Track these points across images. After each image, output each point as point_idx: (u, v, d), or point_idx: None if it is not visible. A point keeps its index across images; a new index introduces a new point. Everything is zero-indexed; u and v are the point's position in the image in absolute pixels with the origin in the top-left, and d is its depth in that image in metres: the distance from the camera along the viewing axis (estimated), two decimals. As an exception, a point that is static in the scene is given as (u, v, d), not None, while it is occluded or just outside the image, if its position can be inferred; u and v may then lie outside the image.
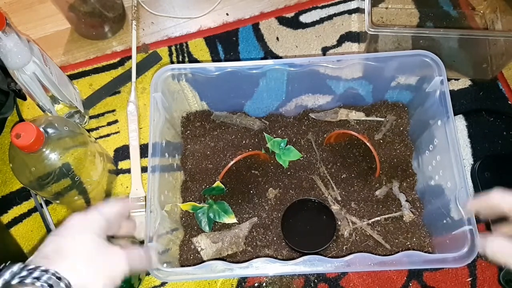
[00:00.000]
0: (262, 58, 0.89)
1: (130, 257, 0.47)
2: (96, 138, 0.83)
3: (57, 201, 0.73)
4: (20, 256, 0.74)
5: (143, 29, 0.93)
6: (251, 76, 0.70)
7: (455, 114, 0.77)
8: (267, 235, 0.72)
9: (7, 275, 0.37)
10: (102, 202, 0.50)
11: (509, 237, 0.48)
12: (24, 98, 0.84)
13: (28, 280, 0.37)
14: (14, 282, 0.37)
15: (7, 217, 0.78)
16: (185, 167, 0.78)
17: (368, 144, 0.71)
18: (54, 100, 0.75)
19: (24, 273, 0.38)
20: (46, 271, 0.39)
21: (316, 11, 0.93)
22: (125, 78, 0.87)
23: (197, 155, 0.78)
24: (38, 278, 0.38)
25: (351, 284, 0.72)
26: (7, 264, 0.39)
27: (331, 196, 0.74)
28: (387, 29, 0.79)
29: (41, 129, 0.60)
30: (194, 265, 0.60)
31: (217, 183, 0.73)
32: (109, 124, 0.85)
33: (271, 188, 0.76)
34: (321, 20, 0.92)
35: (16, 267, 0.38)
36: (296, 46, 0.90)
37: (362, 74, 0.73)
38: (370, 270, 0.69)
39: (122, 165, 0.81)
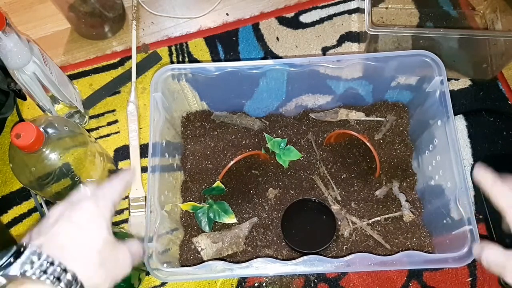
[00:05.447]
0: (262, 58, 0.89)
1: (133, 255, 0.47)
2: (96, 138, 0.83)
3: (57, 201, 0.72)
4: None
5: (143, 29, 0.93)
6: (251, 76, 0.70)
7: (455, 114, 0.76)
8: (267, 235, 0.72)
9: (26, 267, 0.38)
10: (108, 184, 0.49)
11: (503, 247, 0.49)
12: (24, 98, 0.84)
13: (41, 276, 0.38)
14: (31, 273, 0.37)
15: (7, 217, 0.78)
16: (185, 167, 0.78)
17: (368, 144, 0.71)
18: (54, 100, 0.75)
19: (36, 262, 0.38)
20: (53, 263, 0.39)
21: (316, 11, 0.93)
22: (125, 78, 0.87)
23: (197, 155, 0.78)
24: (45, 272, 0.38)
25: (351, 284, 0.72)
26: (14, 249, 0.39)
27: (331, 196, 0.74)
28: (387, 29, 0.79)
29: (41, 129, 0.60)
30: (194, 265, 0.60)
31: (217, 183, 0.73)
32: (109, 124, 0.85)
33: (271, 188, 0.76)
34: (321, 20, 0.92)
35: (26, 255, 0.39)
36: (296, 46, 0.90)
37: (362, 74, 0.73)
38: (370, 270, 0.69)
39: (122, 165, 0.81)
